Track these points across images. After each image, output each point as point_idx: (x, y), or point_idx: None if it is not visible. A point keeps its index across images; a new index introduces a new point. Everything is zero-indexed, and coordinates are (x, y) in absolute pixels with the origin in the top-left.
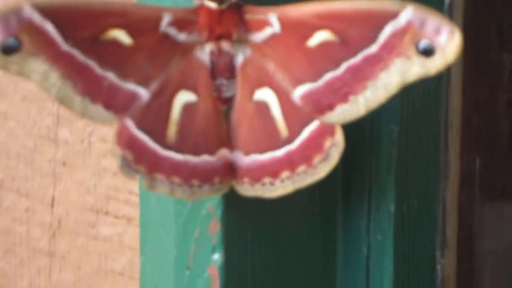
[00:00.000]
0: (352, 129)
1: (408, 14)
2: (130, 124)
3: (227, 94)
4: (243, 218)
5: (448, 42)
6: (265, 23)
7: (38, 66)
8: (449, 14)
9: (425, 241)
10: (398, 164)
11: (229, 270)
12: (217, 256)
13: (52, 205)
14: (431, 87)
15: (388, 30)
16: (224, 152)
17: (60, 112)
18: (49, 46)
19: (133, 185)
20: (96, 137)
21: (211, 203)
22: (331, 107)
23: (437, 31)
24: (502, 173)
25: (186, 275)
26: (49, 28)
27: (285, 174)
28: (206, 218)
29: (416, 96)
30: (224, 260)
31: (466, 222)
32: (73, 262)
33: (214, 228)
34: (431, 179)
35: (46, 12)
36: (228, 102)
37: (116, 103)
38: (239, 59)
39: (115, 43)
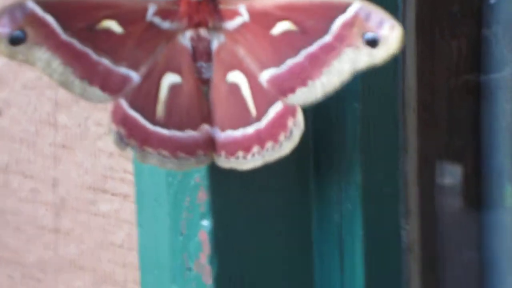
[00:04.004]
0: (320, 108)
1: (355, 7)
2: (124, 104)
3: (206, 75)
4: (228, 188)
5: (390, 35)
6: (236, 13)
7: (42, 54)
8: (403, 2)
9: (390, 209)
10: (362, 139)
11: (217, 234)
12: (206, 222)
13: (54, 185)
14: (388, 70)
15: (339, 22)
16: (206, 128)
17: (58, 98)
18: (51, 37)
19: (127, 164)
20: (92, 121)
21: (198, 175)
22: (292, 90)
23: (380, 24)
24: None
25: (179, 241)
26: (50, 20)
27: (255, 149)
28: (194, 188)
29: (375, 77)
30: (213, 226)
31: (425, 191)
32: (76, 237)
33: (202, 197)
34: (393, 153)
35: (46, 5)
36: (208, 82)
37: (111, 85)
38: (214, 44)
39: (108, 32)
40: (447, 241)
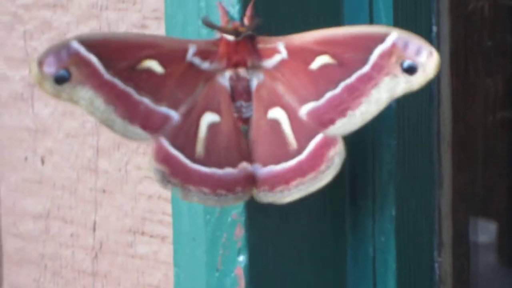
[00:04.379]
0: (356, 144)
1: (393, 37)
2: (166, 143)
3: (246, 114)
4: (264, 224)
5: (428, 61)
6: (274, 51)
7: (85, 93)
8: (437, 41)
9: (423, 241)
10: (397, 173)
11: (253, 269)
12: (242, 258)
13: (94, 229)
14: (424, 105)
15: (377, 52)
16: (244, 165)
17: (99, 145)
18: (94, 76)
19: (166, 206)
20: (131, 166)
21: (235, 211)
22: (332, 121)
23: (418, 52)
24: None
25: (215, 277)
26: (93, 60)
27: (297, 181)
28: (231, 225)
29: (411, 114)
30: (249, 261)
31: (459, 225)
32: (114, 280)
33: (239, 233)
34: (427, 187)
35: (90, 45)
36: (247, 121)
37: (151, 124)
38: (254, 83)
39: (149, 72)
40: (479, 274)
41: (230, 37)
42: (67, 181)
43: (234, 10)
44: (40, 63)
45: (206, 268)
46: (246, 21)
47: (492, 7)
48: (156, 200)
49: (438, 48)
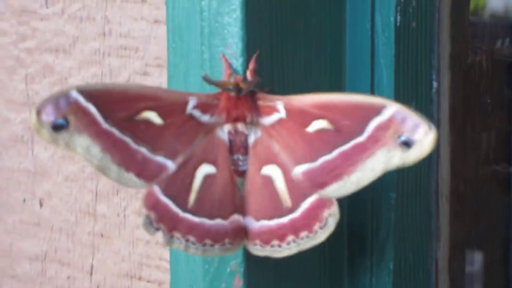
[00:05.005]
0: (355, 197)
1: (391, 110)
2: (157, 190)
3: (243, 167)
4: (263, 275)
5: (425, 138)
6: (273, 109)
7: (82, 141)
8: (437, 97)
9: None
10: (396, 226)
11: None
12: None
13: (91, 273)
14: (423, 160)
15: (374, 124)
16: (236, 217)
17: (99, 189)
18: (92, 125)
19: (164, 252)
20: (130, 211)
21: (234, 262)
22: (326, 184)
23: (415, 128)
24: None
25: None
26: (92, 109)
27: (290, 238)
28: (230, 275)
29: (410, 168)
30: None
31: (455, 278)
32: None
33: (238, 284)
34: (425, 241)
35: (89, 95)
36: (243, 175)
37: (146, 172)
38: (251, 138)
39: (148, 123)
40: None
41: (233, 93)
42: (65, 224)
43: (238, 63)
44: (39, 112)
45: None
46: (249, 74)
47: (490, 61)
48: (153, 245)
49: (438, 104)
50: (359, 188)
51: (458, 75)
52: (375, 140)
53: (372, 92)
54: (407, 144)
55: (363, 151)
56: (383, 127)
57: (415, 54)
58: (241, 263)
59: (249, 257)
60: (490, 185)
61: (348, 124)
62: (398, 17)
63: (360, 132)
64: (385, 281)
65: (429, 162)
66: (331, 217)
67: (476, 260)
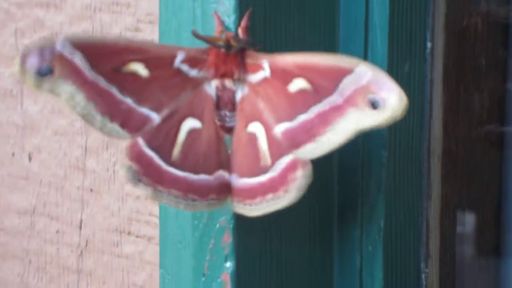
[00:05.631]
0: (346, 153)
1: (360, 69)
2: (141, 142)
3: (230, 124)
4: (252, 231)
5: (391, 98)
6: (259, 67)
7: (67, 87)
8: (431, 57)
9: (411, 252)
10: (386, 184)
11: (239, 276)
12: (229, 264)
13: (80, 227)
14: (415, 119)
15: (345, 82)
16: (221, 173)
17: (88, 144)
18: (76, 73)
19: (153, 207)
20: (119, 166)
21: (224, 218)
22: (302, 144)
23: (384, 88)
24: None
25: (202, 281)
26: (77, 59)
27: (269, 196)
28: (219, 231)
29: (402, 126)
30: (235, 268)
31: (446, 237)
32: (98, 278)
33: (227, 240)
34: (416, 199)
35: (77, 43)
36: (231, 131)
37: (131, 123)
38: (238, 95)
39: (135, 74)
40: (465, 285)
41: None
42: (54, 178)
43: (230, 20)
44: (24, 57)
45: (193, 272)
46: (240, 31)
47: (485, 23)
48: (143, 201)
49: (432, 64)
50: (330, 149)
51: (453, 36)
52: (346, 100)
53: (365, 52)
54: (376, 103)
55: (336, 110)
56: (354, 87)
57: (409, 15)
58: (230, 219)
59: (238, 214)
60: (483, 146)
61: (324, 84)
62: None
63: (333, 91)
64: (375, 238)
65: (421, 121)
66: (305, 178)
67: (467, 221)
